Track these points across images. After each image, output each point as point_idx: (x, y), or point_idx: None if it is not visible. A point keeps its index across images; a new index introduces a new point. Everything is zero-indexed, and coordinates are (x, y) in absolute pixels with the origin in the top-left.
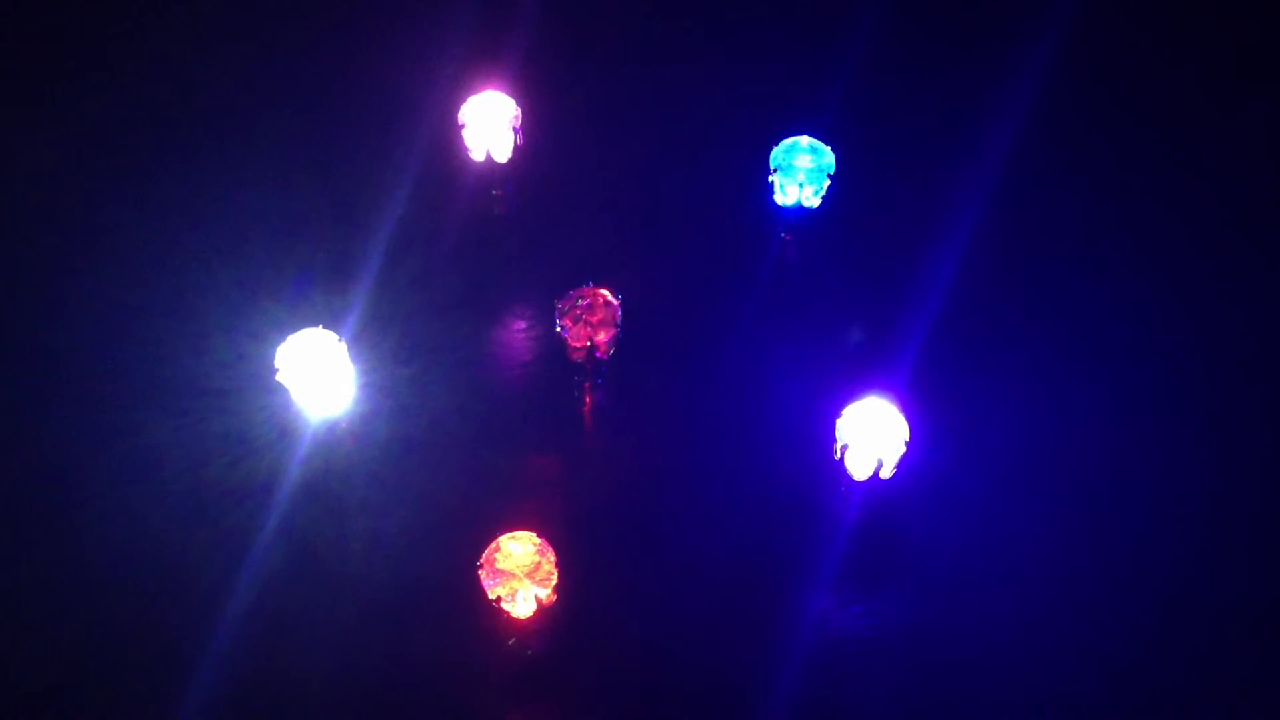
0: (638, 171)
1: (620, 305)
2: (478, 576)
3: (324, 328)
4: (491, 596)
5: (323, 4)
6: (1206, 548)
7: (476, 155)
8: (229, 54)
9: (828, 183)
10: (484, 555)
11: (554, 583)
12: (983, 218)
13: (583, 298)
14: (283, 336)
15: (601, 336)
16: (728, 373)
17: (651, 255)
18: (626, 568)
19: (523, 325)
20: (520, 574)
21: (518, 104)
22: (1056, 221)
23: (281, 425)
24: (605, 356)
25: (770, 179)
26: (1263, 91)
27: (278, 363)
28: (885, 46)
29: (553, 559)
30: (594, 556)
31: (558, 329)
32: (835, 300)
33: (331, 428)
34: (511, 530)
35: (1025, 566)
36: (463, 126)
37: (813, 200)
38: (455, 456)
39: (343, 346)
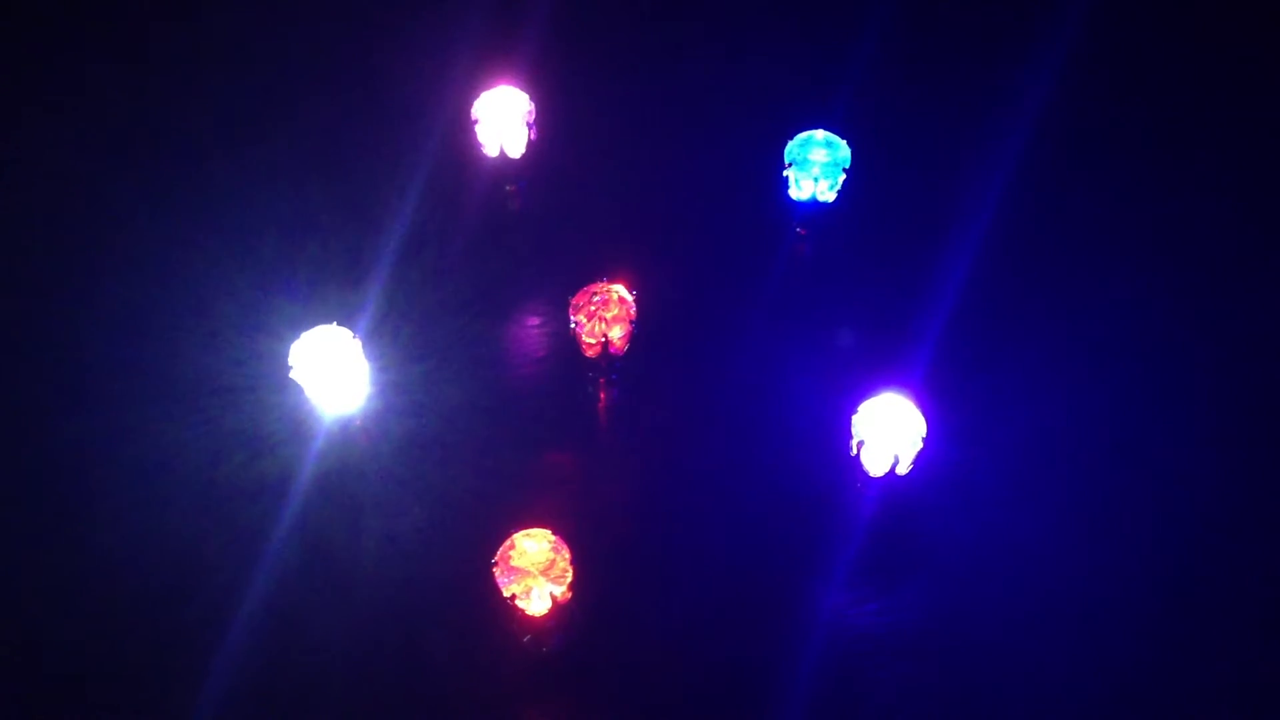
0: (652, 166)
1: (635, 301)
2: (492, 574)
3: (338, 325)
4: (506, 594)
5: (335, 1)
6: (1221, 542)
7: (490, 151)
8: (243, 53)
9: (843, 177)
10: (499, 553)
11: (569, 580)
12: (998, 213)
13: (597, 294)
14: (297, 334)
15: (616, 332)
16: (743, 368)
17: (666, 250)
18: (641, 564)
19: (537, 321)
20: (535, 571)
21: (531, 99)
22: (1073, 217)
23: (296, 422)
24: (620, 353)
25: (785, 173)
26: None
27: (292, 360)
28: (900, 40)
29: (567, 556)
30: (609, 553)
31: (572, 325)
32: (850, 295)
33: (346, 425)
34: (526, 528)
35: (1040, 562)
36: (476, 122)
37: (828, 194)
38: (469, 453)
39: (357, 343)
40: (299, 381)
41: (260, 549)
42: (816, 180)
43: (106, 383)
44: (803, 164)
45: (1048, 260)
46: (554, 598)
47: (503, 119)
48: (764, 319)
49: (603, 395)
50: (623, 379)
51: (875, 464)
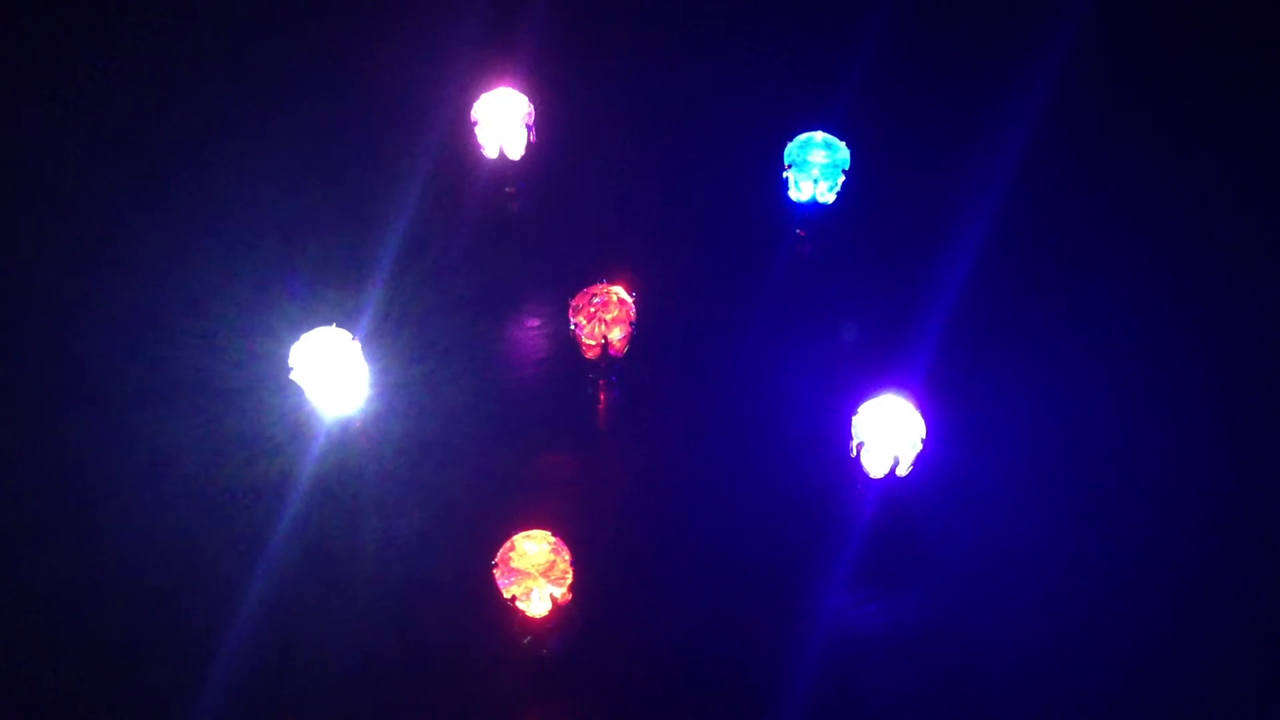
0: (652, 168)
1: (634, 302)
2: (492, 576)
3: (338, 326)
4: (506, 596)
5: (335, 2)
6: (1221, 545)
7: (490, 153)
8: (242, 53)
9: (842, 178)
10: (499, 554)
11: (569, 581)
12: (998, 214)
13: (597, 295)
14: (297, 335)
15: (616, 334)
16: (743, 370)
17: (666, 252)
18: (642, 566)
19: (536, 323)
20: (535, 573)
21: (530, 101)
22: (1072, 218)
23: (296, 424)
24: (619, 354)
25: (785, 175)
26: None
27: (292, 362)
28: (900, 41)
29: (568, 558)
30: (609, 555)
31: (572, 327)
32: (850, 297)
33: (346, 427)
34: (526, 529)
35: (1040, 564)
36: (475, 124)
37: (827, 196)
38: (469, 455)
39: (357, 345)
40: (299, 383)
41: (260, 550)
42: (816, 182)
43: (106, 383)
44: (802, 166)
45: (1047, 261)
46: (554, 599)
47: (502, 121)
48: (764, 321)
49: (602, 397)
50: (622, 380)
51: (875, 466)
